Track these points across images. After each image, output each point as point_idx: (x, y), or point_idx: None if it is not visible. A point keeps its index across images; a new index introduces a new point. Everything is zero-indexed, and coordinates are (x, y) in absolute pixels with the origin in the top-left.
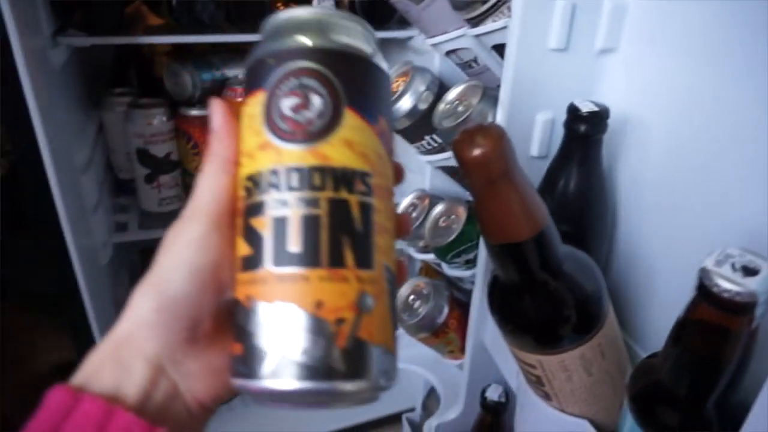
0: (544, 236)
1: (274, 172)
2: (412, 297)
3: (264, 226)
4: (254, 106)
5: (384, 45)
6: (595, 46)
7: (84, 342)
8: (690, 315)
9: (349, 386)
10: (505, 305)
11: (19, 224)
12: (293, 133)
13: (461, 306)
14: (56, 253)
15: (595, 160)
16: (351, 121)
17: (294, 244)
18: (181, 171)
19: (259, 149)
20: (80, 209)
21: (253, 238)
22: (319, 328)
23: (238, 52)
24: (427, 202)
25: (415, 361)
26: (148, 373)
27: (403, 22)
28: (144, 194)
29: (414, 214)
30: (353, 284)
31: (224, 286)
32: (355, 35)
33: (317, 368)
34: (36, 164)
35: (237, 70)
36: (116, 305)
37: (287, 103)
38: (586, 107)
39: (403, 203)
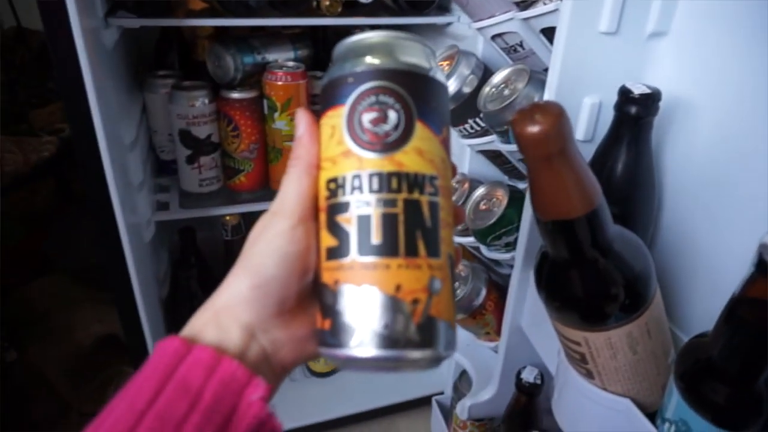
0: (596, 214)
1: (357, 177)
2: None
3: (349, 222)
4: (335, 118)
5: (423, 30)
6: (646, 29)
7: (128, 316)
8: (747, 292)
9: (420, 354)
10: (554, 282)
11: (67, 201)
12: (373, 143)
13: (499, 289)
14: (105, 229)
15: (644, 143)
16: (421, 133)
17: (376, 237)
18: (220, 152)
19: (342, 156)
20: (127, 187)
21: (339, 232)
22: (399, 307)
23: (278, 36)
24: (467, 186)
25: None
26: (244, 337)
27: (443, 8)
28: (185, 175)
29: (453, 198)
30: (425, 271)
31: (307, 271)
32: (418, 54)
33: (397, 340)
34: (90, 141)
35: (277, 54)
36: (157, 282)
37: (367, 118)
38: (638, 89)
39: None
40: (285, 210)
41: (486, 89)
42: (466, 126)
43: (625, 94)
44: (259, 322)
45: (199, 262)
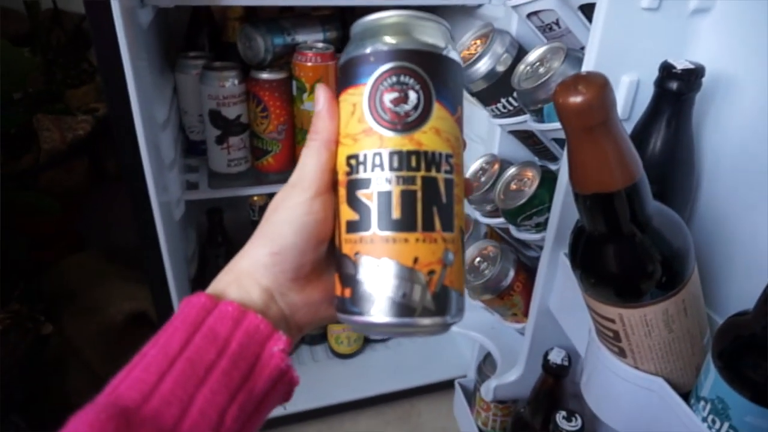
0: (637, 188)
1: (378, 155)
2: (478, 259)
3: (370, 198)
4: (356, 96)
5: (453, 12)
6: (688, 6)
7: (159, 293)
8: None
9: (432, 321)
10: (590, 257)
11: (99, 181)
12: (394, 123)
13: (527, 270)
14: (139, 207)
15: (684, 120)
16: (438, 113)
17: (396, 213)
18: (249, 133)
19: (363, 134)
20: (160, 165)
21: (360, 207)
22: (416, 278)
23: (307, 17)
24: (497, 167)
25: (472, 327)
26: (264, 298)
27: None
28: (214, 155)
29: (483, 179)
30: (440, 244)
31: (323, 241)
32: (435, 34)
33: (414, 308)
34: (126, 118)
35: (307, 35)
36: (185, 261)
37: (388, 97)
38: (681, 64)
39: (472, 168)
40: (304, 182)
41: (521, 67)
42: (499, 105)
43: (667, 69)
44: (276, 286)
45: (227, 241)
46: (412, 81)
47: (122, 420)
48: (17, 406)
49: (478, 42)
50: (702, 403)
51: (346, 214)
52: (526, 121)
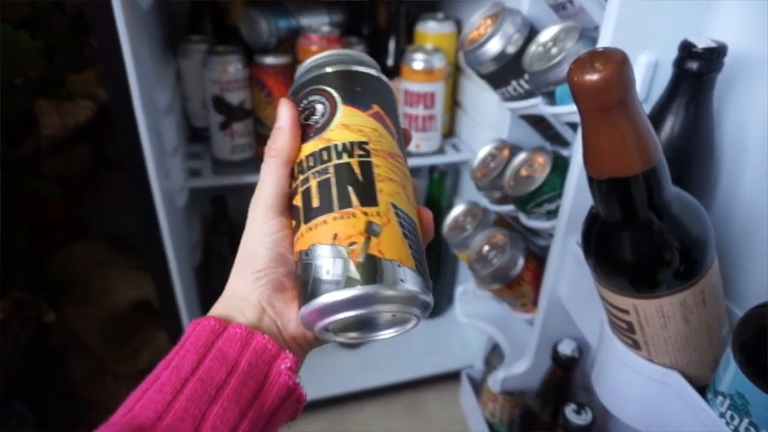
0: (655, 172)
1: (300, 163)
2: (487, 248)
3: (298, 200)
4: None
5: None
6: None
7: (162, 281)
8: None
9: (364, 290)
10: (605, 245)
11: (101, 167)
12: (309, 134)
13: (537, 259)
14: (140, 194)
15: (704, 102)
16: (346, 112)
17: (315, 202)
18: (253, 119)
19: (299, 153)
20: (161, 152)
21: (294, 212)
22: (338, 252)
23: (312, 1)
24: (506, 152)
25: (480, 317)
26: (256, 312)
27: None
28: (217, 141)
29: (492, 165)
30: (360, 217)
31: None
32: (344, 60)
33: (339, 280)
34: (126, 104)
35: (311, 18)
36: (189, 249)
37: (303, 116)
38: (702, 43)
39: (481, 153)
40: (267, 201)
41: (532, 48)
42: (509, 88)
43: (687, 48)
44: (264, 298)
45: (231, 229)
46: (318, 97)
47: None
48: (20, 394)
49: (488, 22)
50: (720, 398)
51: (291, 223)
52: (537, 105)
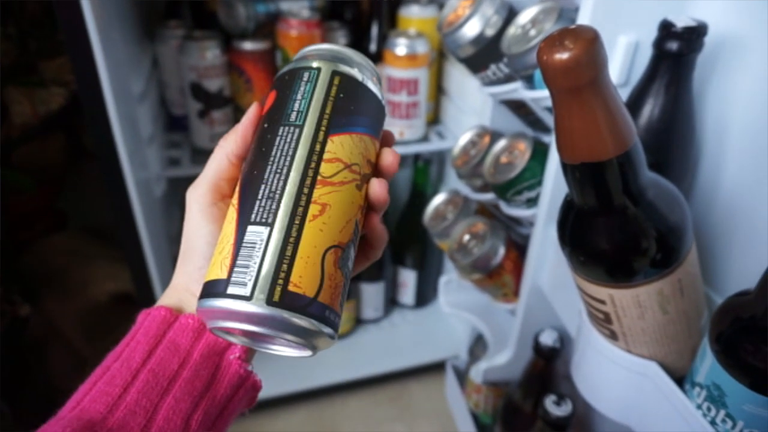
0: (630, 156)
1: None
2: (467, 237)
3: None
4: None
5: None
6: None
7: (138, 272)
8: None
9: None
10: (580, 233)
11: (78, 156)
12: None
13: (518, 248)
14: (113, 183)
15: (684, 84)
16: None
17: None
18: (233, 107)
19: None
20: (136, 140)
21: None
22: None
23: None
24: (487, 139)
25: (464, 307)
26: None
27: None
28: (196, 130)
29: (472, 152)
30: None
31: None
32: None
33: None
34: (95, 90)
35: (291, 2)
36: (169, 240)
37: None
38: (682, 22)
39: (462, 140)
40: (202, 190)
41: (511, 30)
42: (488, 72)
43: (666, 27)
44: None
45: None
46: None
47: None
48: None
49: (466, 3)
50: (697, 389)
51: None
52: (517, 89)
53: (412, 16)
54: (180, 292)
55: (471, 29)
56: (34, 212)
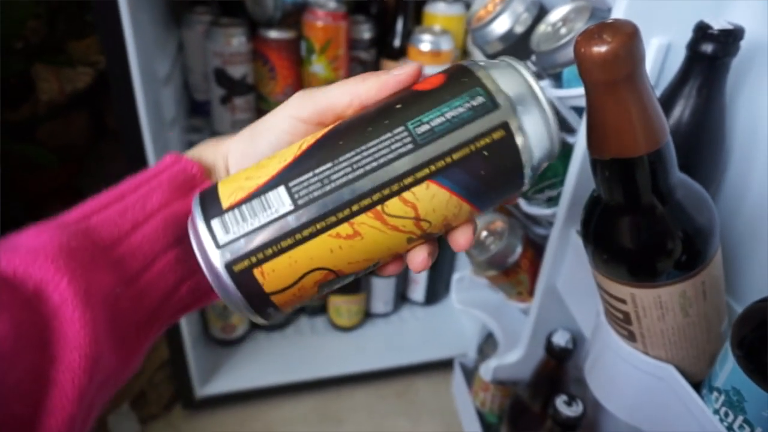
0: (661, 155)
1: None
2: (485, 233)
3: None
4: None
5: None
6: None
7: None
8: None
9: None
10: (605, 230)
11: (100, 136)
12: None
13: (535, 247)
14: (135, 165)
15: (717, 88)
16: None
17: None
18: (255, 95)
19: None
20: (159, 123)
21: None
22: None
23: None
24: None
25: (475, 305)
26: (225, 175)
27: None
28: (218, 115)
29: None
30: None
31: None
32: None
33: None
34: (124, 71)
35: None
36: None
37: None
38: (718, 24)
39: None
40: (309, 101)
41: (541, 27)
42: None
43: (702, 29)
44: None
45: None
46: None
47: (87, 255)
48: None
49: (497, 0)
50: (715, 393)
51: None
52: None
53: (438, 12)
54: (220, 154)
55: (500, 26)
56: (55, 190)
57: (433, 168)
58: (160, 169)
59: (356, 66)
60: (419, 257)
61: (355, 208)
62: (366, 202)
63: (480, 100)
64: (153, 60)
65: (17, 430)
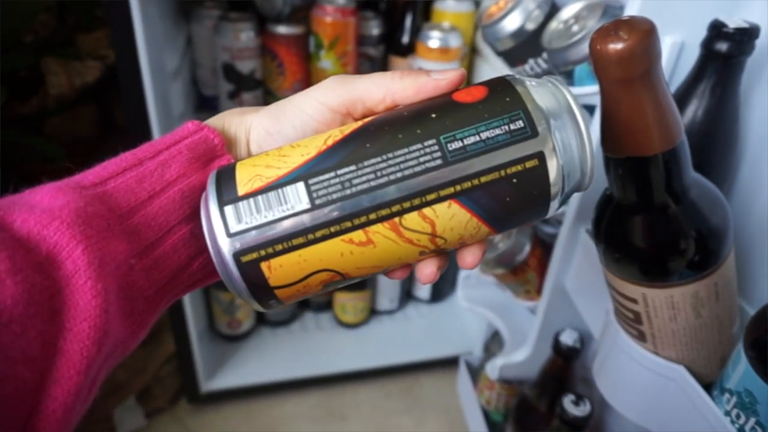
0: (676, 154)
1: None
2: None
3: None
4: None
5: None
6: None
7: None
8: None
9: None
10: (617, 228)
11: (108, 131)
12: None
13: (544, 246)
14: None
15: (731, 87)
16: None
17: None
18: (263, 91)
19: None
20: (168, 117)
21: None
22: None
23: None
24: None
25: (481, 303)
26: (245, 150)
27: None
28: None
29: None
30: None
31: None
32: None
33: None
34: (133, 65)
35: None
36: None
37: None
38: (734, 23)
39: None
40: (342, 91)
41: (553, 25)
42: (525, 67)
43: (717, 28)
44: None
45: None
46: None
47: (104, 222)
48: None
49: None
50: (726, 395)
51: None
52: None
53: (447, 9)
54: (243, 127)
55: (512, 22)
56: None
57: (458, 188)
58: (181, 135)
59: (364, 62)
60: (428, 270)
61: (372, 216)
62: (384, 212)
63: (519, 124)
64: (162, 54)
65: (23, 395)
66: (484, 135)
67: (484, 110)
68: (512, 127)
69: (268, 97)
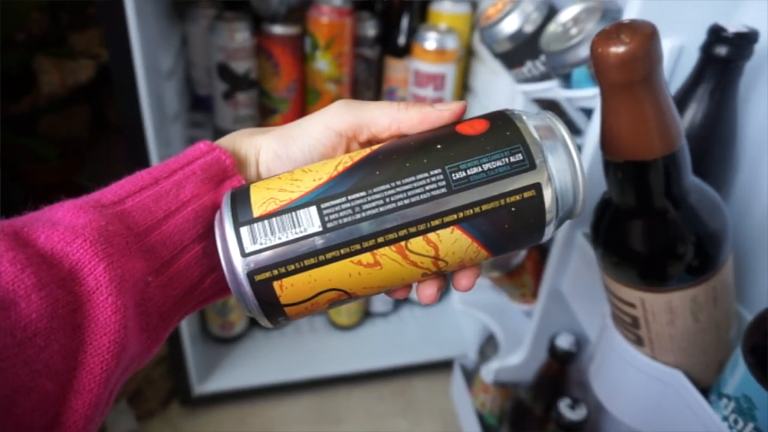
0: (676, 158)
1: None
2: None
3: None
4: None
5: None
6: None
7: None
8: None
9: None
10: (616, 232)
11: (101, 130)
12: None
13: (540, 249)
14: (137, 159)
15: (730, 91)
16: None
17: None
18: (258, 91)
19: None
20: (162, 117)
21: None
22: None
23: None
24: None
25: (476, 305)
26: (255, 171)
27: None
28: (220, 111)
29: None
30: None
31: None
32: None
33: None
34: (127, 64)
35: None
36: None
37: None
38: (733, 27)
39: None
40: (349, 117)
41: (551, 27)
42: (523, 69)
43: (716, 32)
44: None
45: None
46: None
47: (123, 240)
48: None
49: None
50: (724, 400)
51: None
52: (552, 88)
53: (443, 11)
54: (253, 148)
55: (510, 25)
56: (56, 184)
57: (461, 215)
58: (194, 156)
59: (360, 63)
60: (429, 291)
61: (380, 240)
62: (392, 236)
63: (518, 157)
64: (156, 54)
65: (45, 406)
66: (486, 166)
67: (486, 143)
68: (512, 159)
69: (263, 97)
